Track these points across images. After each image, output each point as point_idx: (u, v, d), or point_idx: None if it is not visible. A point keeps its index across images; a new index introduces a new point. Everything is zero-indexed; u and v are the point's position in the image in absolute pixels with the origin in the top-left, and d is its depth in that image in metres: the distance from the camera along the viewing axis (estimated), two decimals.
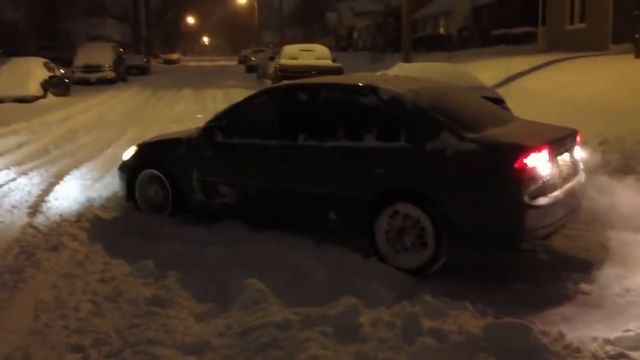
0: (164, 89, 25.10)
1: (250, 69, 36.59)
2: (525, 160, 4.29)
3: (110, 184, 7.14)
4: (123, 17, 55.85)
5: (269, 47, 46.93)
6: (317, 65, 19.47)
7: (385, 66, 14.49)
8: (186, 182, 5.82)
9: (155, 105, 19.03)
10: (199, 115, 9.64)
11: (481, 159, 4.43)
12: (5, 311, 4.09)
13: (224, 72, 39.54)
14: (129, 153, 6.41)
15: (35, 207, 6.51)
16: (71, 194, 7.06)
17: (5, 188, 7.46)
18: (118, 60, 29.80)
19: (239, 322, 3.76)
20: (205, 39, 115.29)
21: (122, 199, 6.37)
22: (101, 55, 28.45)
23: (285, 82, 6.33)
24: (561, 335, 3.48)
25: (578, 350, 3.35)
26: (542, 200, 4.38)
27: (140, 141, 6.81)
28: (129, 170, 6.20)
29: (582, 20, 21.89)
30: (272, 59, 26.64)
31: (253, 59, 38.14)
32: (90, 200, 6.65)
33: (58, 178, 7.99)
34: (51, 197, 6.94)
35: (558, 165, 4.71)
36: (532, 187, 4.34)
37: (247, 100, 5.76)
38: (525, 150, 4.33)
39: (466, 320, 3.65)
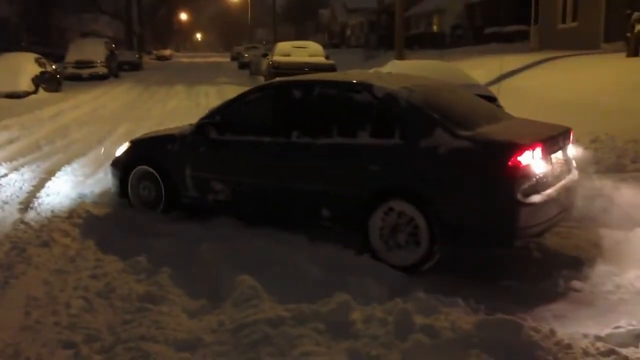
0: (156, 85, 25.01)
1: (243, 65, 36.53)
2: (519, 158, 4.31)
3: (102, 180, 7.11)
4: (115, 13, 55.49)
5: (262, 44, 46.87)
6: (310, 62, 19.45)
7: (378, 63, 14.50)
8: (179, 178, 5.81)
9: (147, 101, 18.96)
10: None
11: (475, 157, 4.44)
12: None
13: (217, 68, 39.46)
14: (121, 149, 6.39)
15: (26, 203, 6.48)
16: (63, 190, 7.03)
17: None
18: (110, 56, 29.68)
19: (232, 318, 3.76)
20: (198, 36, 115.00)
21: (115, 195, 6.35)
22: (93, 51, 28.32)
23: (278, 78, 6.32)
24: (552, 332, 3.50)
25: (569, 346, 3.37)
26: (535, 198, 4.39)
27: (133, 137, 6.78)
28: (121, 167, 6.18)
29: (574, 19, 21.98)
30: (265, 55, 26.59)
31: (246, 55, 38.05)
32: (82, 197, 6.63)
33: (49, 174, 7.96)
34: (43, 193, 6.91)
35: (551, 163, 4.73)
36: (526, 185, 4.35)
37: (241, 97, 5.74)
38: (519, 148, 4.34)
39: (458, 316, 3.67)
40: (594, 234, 5.23)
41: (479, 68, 16.25)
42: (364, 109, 4.94)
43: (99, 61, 27.88)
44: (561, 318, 3.88)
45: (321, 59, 20.52)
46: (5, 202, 6.56)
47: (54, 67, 21.97)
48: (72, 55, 27.93)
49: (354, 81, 5.21)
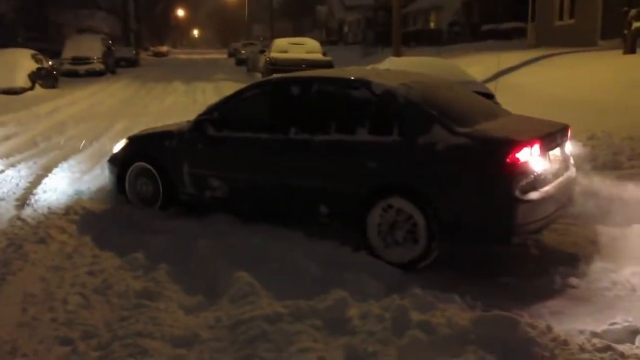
0: (153, 81, 24.97)
1: (240, 62, 36.50)
2: (517, 155, 4.31)
3: (99, 177, 7.10)
4: (112, 9, 55.33)
5: (259, 40, 46.88)
6: (308, 59, 19.45)
7: (376, 60, 14.47)
8: (177, 175, 5.80)
9: (144, 97, 18.93)
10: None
11: (473, 153, 4.44)
12: None
13: (214, 65, 39.39)
14: (119, 146, 6.38)
15: (23, 200, 6.46)
16: (59, 186, 7.01)
17: None
18: (107, 53, 29.61)
19: (229, 315, 3.76)
20: (195, 32, 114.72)
21: (111, 192, 6.34)
22: (90, 47, 28.24)
23: (276, 75, 6.31)
24: (549, 328, 3.51)
25: (565, 342, 3.38)
26: (533, 195, 4.40)
27: (131, 134, 6.77)
28: (119, 163, 6.17)
29: (571, 16, 22.00)
30: (262, 52, 26.62)
31: (243, 52, 38.04)
32: (78, 193, 6.62)
33: (46, 170, 7.94)
34: (39, 189, 6.89)
35: (549, 160, 4.74)
36: (524, 182, 4.36)
37: (239, 94, 5.73)
38: (517, 144, 4.35)
39: (455, 313, 3.68)
40: (591, 231, 5.24)
41: (476, 65, 16.26)
42: (362, 105, 4.94)
43: (95, 57, 27.83)
44: (558, 314, 3.90)
45: (318, 56, 20.53)
46: (2, 199, 6.54)
47: (50, 63, 21.91)
48: (68, 52, 27.86)
49: (352, 78, 5.21)
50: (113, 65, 30.54)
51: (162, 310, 3.87)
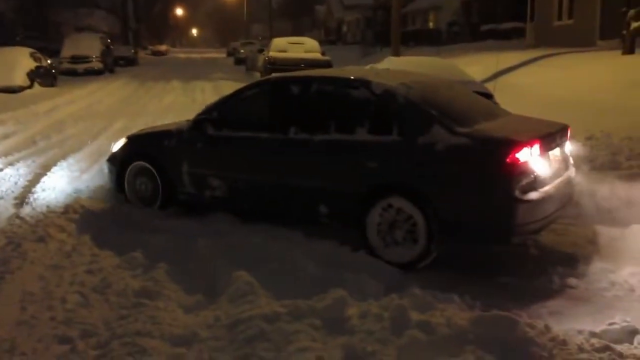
0: (152, 80, 24.95)
1: (239, 61, 36.47)
2: (517, 155, 4.31)
3: (98, 176, 7.09)
4: (111, 8, 55.30)
5: (258, 40, 46.84)
6: (306, 58, 19.45)
7: (375, 60, 14.48)
8: (176, 174, 5.80)
9: (143, 96, 18.91)
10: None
11: (472, 153, 4.44)
12: None
13: (213, 64, 39.37)
14: (118, 145, 6.37)
15: (21, 198, 6.46)
16: (58, 185, 7.00)
17: None
18: (106, 51, 29.57)
19: (227, 314, 3.76)
20: (194, 31, 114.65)
21: (110, 191, 6.34)
22: (89, 46, 28.19)
23: (275, 74, 6.31)
24: (547, 328, 3.51)
25: (564, 342, 3.38)
26: (533, 195, 4.40)
27: (130, 133, 6.76)
28: (118, 163, 6.16)
29: (570, 16, 22.02)
30: (261, 51, 26.59)
31: (242, 51, 38.03)
32: (77, 192, 6.61)
33: (45, 169, 7.93)
34: (38, 188, 6.88)
35: (549, 160, 4.74)
36: (524, 182, 4.36)
37: (238, 93, 5.73)
38: (517, 144, 4.35)
39: (454, 313, 3.68)
40: (590, 231, 5.25)
41: (475, 65, 16.27)
42: (361, 105, 4.94)
43: (94, 56, 27.78)
44: (556, 314, 3.90)
45: (317, 55, 20.52)
46: (1, 197, 6.54)
47: (49, 61, 21.88)
48: (67, 50, 27.82)
49: (352, 77, 5.21)
50: (112, 64, 30.51)
51: (161, 309, 3.87)
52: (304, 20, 71.79)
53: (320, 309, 3.73)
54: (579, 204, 5.45)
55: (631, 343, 3.47)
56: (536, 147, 4.47)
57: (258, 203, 5.48)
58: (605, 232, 5.14)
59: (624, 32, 15.26)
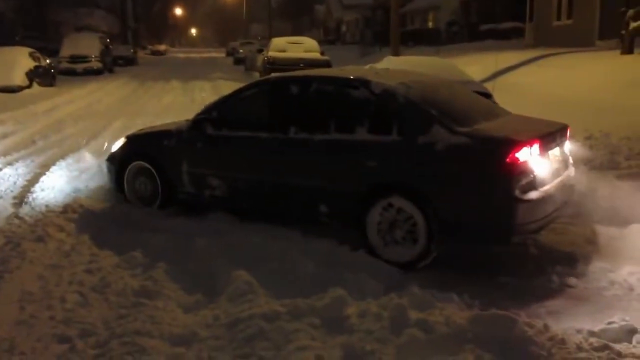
0: (151, 80, 24.95)
1: (238, 61, 36.48)
2: (517, 155, 4.31)
3: (97, 175, 7.09)
4: (110, 7, 55.32)
5: (257, 40, 46.85)
6: (306, 58, 19.44)
7: (374, 60, 14.50)
8: (176, 174, 5.80)
9: (142, 96, 18.91)
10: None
11: (472, 153, 4.44)
12: None
13: (212, 64, 39.36)
14: (117, 145, 6.37)
15: (20, 198, 6.45)
16: (57, 184, 6.99)
17: None
18: (105, 51, 29.56)
19: (227, 313, 3.76)
20: (193, 31, 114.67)
21: (109, 191, 6.34)
22: (88, 45, 28.19)
23: (274, 74, 6.31)
24: (546, 327, 3.52)
25: (563, 342, 3.39)
26: (533, 195, 4.40)
27: (129, 133, 6.76)
28: (117, 162, 6.16)
29: (569, 16, 22.04)
30: (260, 51, 26.60)
31: (241, 51, 38.03)
32: (76, 191, 6.61)
33: (44, 168, 7.92)
34: (37, 187, 6.88)
35: (549, 160, 4.74)
36: (523, 181, 4.36)
37: (238, 93, 5.73)
38: (517, 144, 4.35)
39: (452, 312, 3.68)
40: (589, 231, 5.25)
41: (474, 64, 16.29)
42: (361, 105, 4.94)
43: (93, 56, 27.77)
44: (555, 314, 3.91)
45: (316, 55, 20.52)
46: (0, 197, 6.53)
47: (48, 61, 21.86)
48: (66, 50, 27.81)
49: (352, 77, 5.20)
50: (111, 64, 30.51)
51: (161, 308, 3.87)
52: (303, 20, 71.81)
53: (319, 308, 3.73)
54: (578, 204, 5.45)
55: (630, 342, 3.48)
56: (536, 147, 4.47)
57: (258, 203, 5.48)
58: (604, 232, 5.14)
59: (623, 32, 15.27)
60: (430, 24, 40.47)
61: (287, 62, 18.68)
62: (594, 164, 6.99)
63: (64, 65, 26.76)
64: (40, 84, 19.78)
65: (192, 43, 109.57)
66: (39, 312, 3.86)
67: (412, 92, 4.87)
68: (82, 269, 4.55)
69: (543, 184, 4.55)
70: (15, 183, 7.18)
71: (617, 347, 3.39)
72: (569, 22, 21.90)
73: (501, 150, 4.34)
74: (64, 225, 5.51)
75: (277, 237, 4.98)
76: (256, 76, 22.44)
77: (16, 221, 5.59)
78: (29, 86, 18.99)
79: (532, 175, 4.44)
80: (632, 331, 3.55)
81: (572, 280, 4.38)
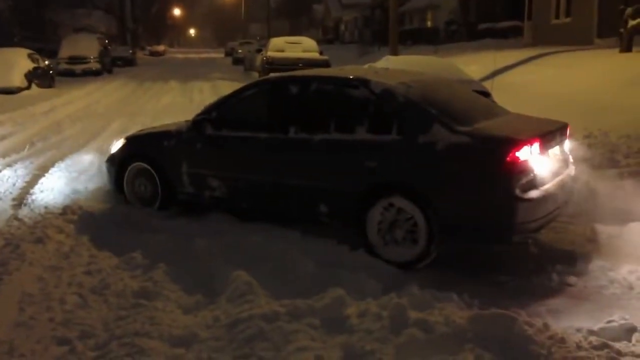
0: (150, 81, 24.94)
1: (237, 61, 36.47)
2: (517, 154, 4.31)
3: (96, 177, 7.09)
4: (109, 8, 55.29)
5: (256, 40, 46.77)
6: (304, 58, 19.43)
7: (373, 59, 14.47)
8: (175, 175, 5.79)
9: (141, 97, 18.90)
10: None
11: (473, 152, 4.43)
12: None
13: (211, 64, 39.37)
14: (117, 146, 6.37)
15: (20, 199, 6.45)
16: (56, 186, 6.99)
17: None
18: (103, 52, 29.57)
19: (227, 314, 3.76)
20: (192, 31, 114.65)
21: (109, 192, 6.33)
22: (86, 46, 28.19)
23: (273, 74, 6.30)
24: (546, 326, 3.51)
25: (562, 340, 3.39)
26: (533, 194, 4.40)
27: (128, 134, 6.76)
28: (117, 163, 6.16)
29: (567, 14, 22.05)
30: (259, 51, 26.58)
31: (240, 51, 38.00)
32: (75, 193, 6.60)
33: (43, 170, 7.91)
34: (36, 189, 6.88)
35: (549, 159, 4.74)
36: (524, 180, 4.36)
37: (237, 93, 5.72)
38: (517, 143, 4.34)
39: (452, 311, 3.68)
40: (588, 229, 5.25)
41: (473, 64, 16.28)
42: (361, 104, 4.93)
43: (92, 57, 27.78)
44: (555, 312, 3.91)
45: (315, 55, 20.51)
46: None
47: (46, 62, 21.84)
48: (65, 51, 27.81)
49: (351, 77, 5.20)
50: (110, 65, 30.50)
51: (160, 309, 3.87)
52: (301, 20, 71.81)
53: (319, 308, 3.73)
54: (577, 202, 5.44)
55: (629, 341, 3.48)
56: (536, 146, 4.47)
57: (258, 203, 5.48)
58: (603, 230, 5.14)
59: (622, 30, 15.27)
60: (429, 23, 40.46)
61: (285, 62, 18.68)
62: (593, 163, 6.99)
63: (63, 66, 26.75)
64: (39, 85, 19.77)
65: (190, 43, 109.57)
66: (38, 313, 3.86)
67: (412, 91, 4.86)
68: (81, 270, 4.55)
69: (543, 183, 4.55)
70: (14, 184, 7.17)
71: (617, 345, 3.39)
72: (568, 20, 21.91)
73: (502, 149, 4.34)
74: (63, 227, 5.51)
75: (277, 237, 4.98)
76: (255, 76, 22.44)
77: (15, 223, 5.58)
78: (28, 87, 18.98)
79: (532, 174, 4.44)
80: (631, 330, 3.55)
81: (571, 279, 4.38)
